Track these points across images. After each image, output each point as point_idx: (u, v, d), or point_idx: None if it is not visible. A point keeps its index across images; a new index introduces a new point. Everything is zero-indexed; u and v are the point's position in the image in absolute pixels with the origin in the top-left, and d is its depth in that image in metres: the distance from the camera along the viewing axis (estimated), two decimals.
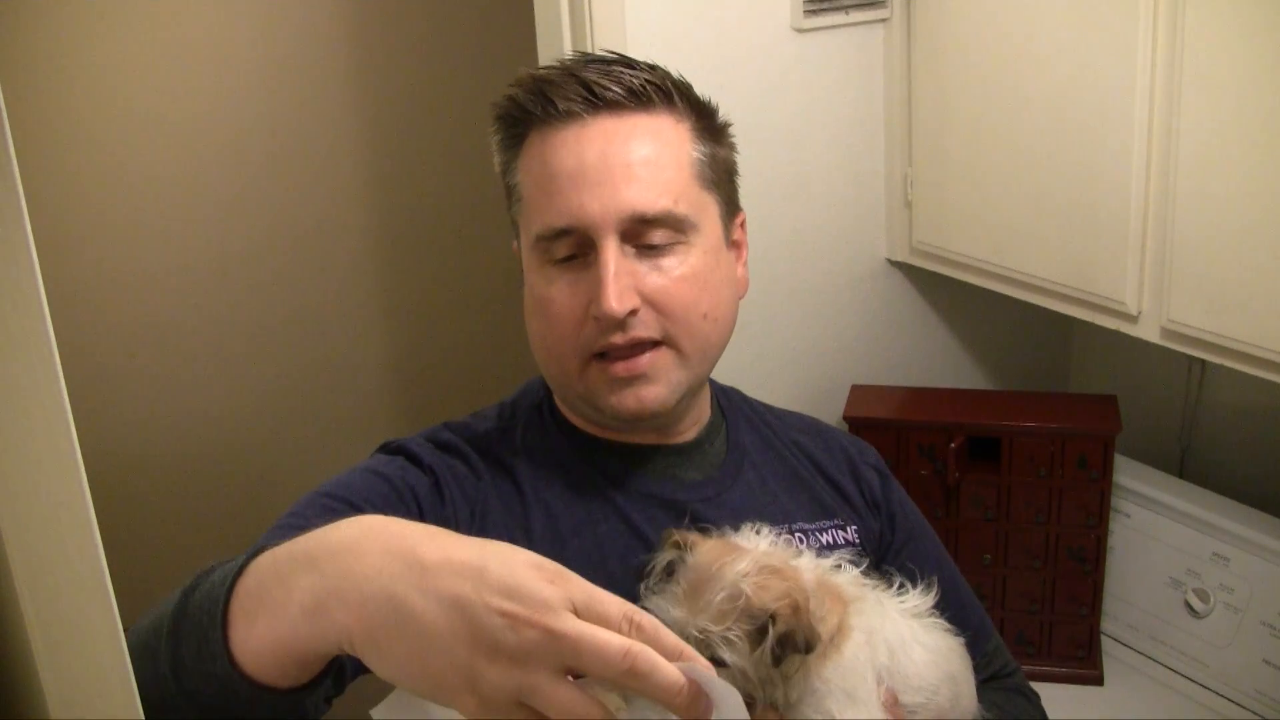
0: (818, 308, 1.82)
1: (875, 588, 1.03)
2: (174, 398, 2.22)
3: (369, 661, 0.66)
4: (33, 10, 1.98)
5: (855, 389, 1.79)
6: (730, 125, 1.16)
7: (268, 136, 2.21)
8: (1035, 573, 1.68)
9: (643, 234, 1.05)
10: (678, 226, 1.06)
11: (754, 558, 0.92)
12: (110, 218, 2.12)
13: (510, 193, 1.14)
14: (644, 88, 1.08)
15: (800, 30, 1.69)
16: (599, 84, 1.07)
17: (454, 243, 2.39)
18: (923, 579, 1.06)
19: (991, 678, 1.23)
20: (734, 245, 1.16)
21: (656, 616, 0.89)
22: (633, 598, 1.01)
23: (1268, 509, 1.63)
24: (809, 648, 0.89)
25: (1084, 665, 1.68)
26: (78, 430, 0.55)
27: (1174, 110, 1.37)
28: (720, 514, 1.11)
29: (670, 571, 0.94)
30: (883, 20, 1.74)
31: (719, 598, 0.89)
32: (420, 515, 1.04)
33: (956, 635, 1.06)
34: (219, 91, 2.16)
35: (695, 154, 1.10)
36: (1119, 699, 1.65)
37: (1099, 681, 1.68)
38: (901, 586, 1.05)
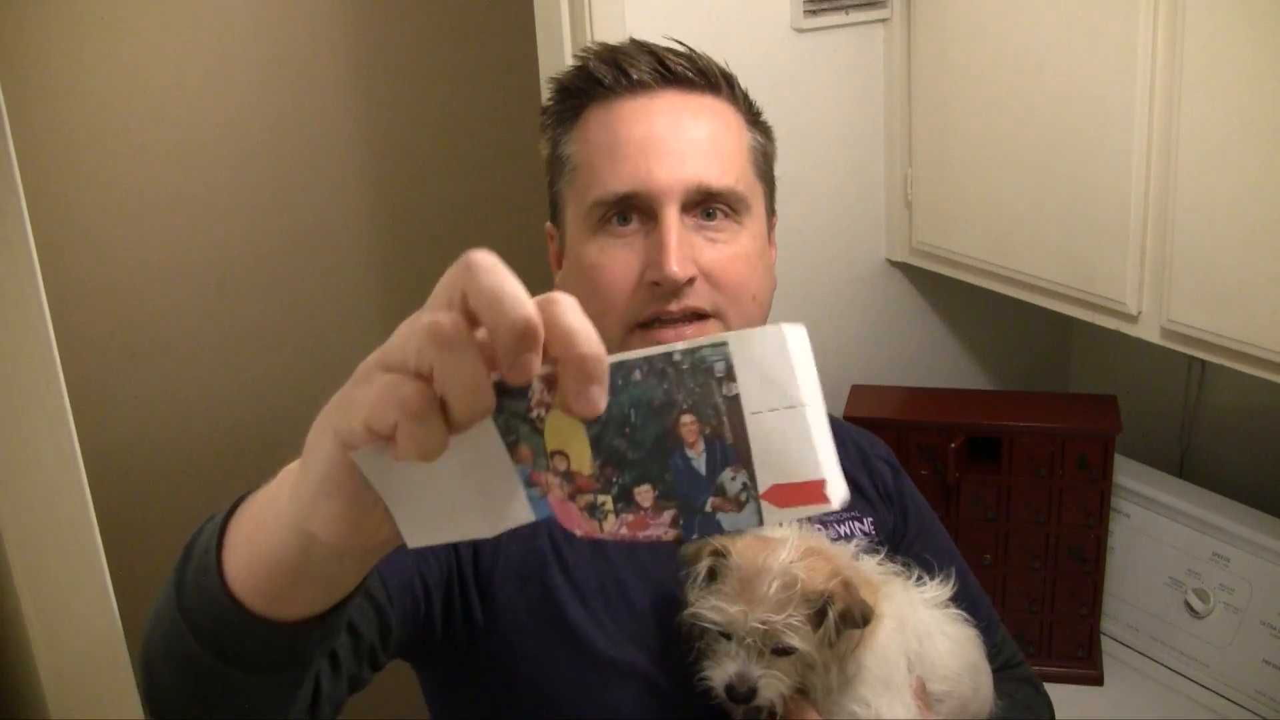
0: (818, 308, 1.82)
1: (897, 575, 1.03)
2: (174, 397, 2.22)
3: (328, 537, 0.58)
4: (32, 11, 1.98)
5: (855, 389, 1.78)
6: (772, 128, 1.17)
7: (267, 135, 2.21)
8: (1035, 573, 1.68)
9: (703, 207, 1.06)
10: (736, 205, 1.07)
11: (793, 544, 0.92)
12: (110, 218, 2.12)
13: (560, 164, 1.12)
14: (711, 69, 1.10)
15: (800, 30, 1.69)
16: (671, 58, 1.09)
17: (454, 242, 2.38)
18: (937, 570, 1.07)
19: (1001, 668, 1.23)
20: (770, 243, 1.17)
21: (713, 618, 0.90)
22: (662, 584, 1.02)
23: (1268, 509, 1.63)
24: (865, 621, 0.91)
25: (1084, 665, 1.68)
26: (78, 430, 0.55)
27: (1174, 110, 1.37)
28: None
29: (712, 576, 0.94)
30: (883, 20, 1.74)
31: (773, 588, 0.89)
32: None
33: (973, 625, 1.06)
34: (219, 91, 2.16)
35: (751, 141, 1.12)
36: (1119, 699, 1.65)
37: (1099, 681, 1.68)
38: (919, 578, 1.05)
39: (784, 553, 0.91)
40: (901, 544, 1.22)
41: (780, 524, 1.00)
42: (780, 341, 0.51)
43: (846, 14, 1.71)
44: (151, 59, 2.10)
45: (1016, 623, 1.70)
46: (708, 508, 0.54)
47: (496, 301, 0.50)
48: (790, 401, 0.52)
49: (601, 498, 0.55)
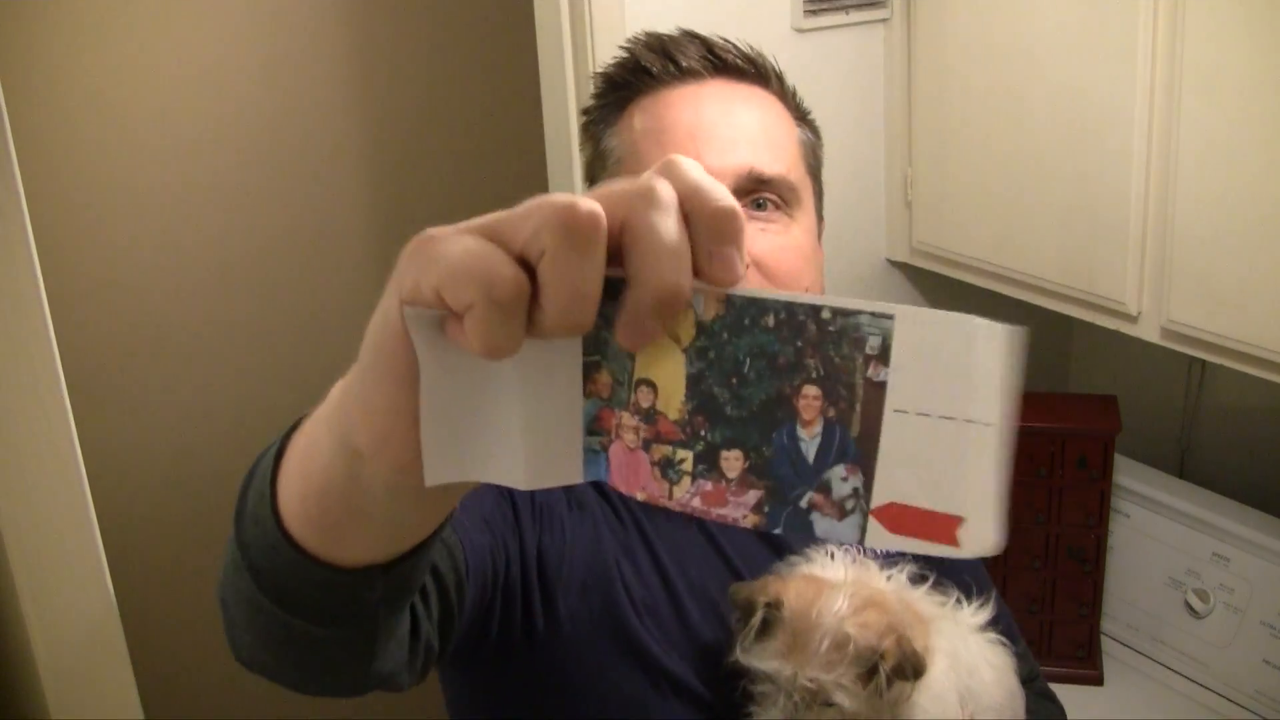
0: None
1: (947, 604, 1.01)
2: (174, 399, 2.22)
3: (375, 442, 0.50)
4: (33, 13, 1.98)
5: None
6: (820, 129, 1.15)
7: (269, 138, 2.21)
8: (1035, 573, 1.68)
9: (754, 196, 1.02)
10: (788, 196, 1.03)
11: (846, 592, 0.90)
12: (111, 219, 2.12)
13: (602, 160, 1.08)
14: (762, 60, 1.08)
15: (800, 30, 1.69)
16: (721, 46, 1.06)
17: None
18: (976, 589, 1.05)
19: (1024, 683, 1.22)
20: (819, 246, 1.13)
21: (763, 669, 0.89)
22: (719, 608, 1.00)
23: (1268, 509, 1.63)
24: (918, 675, 0.89)
25: (1084, 665, 1.69)
26: (78, 430, 0.55)
27: (1174, 110, 1.37)
28: None
29: (765, 627, 0.92)
30: (883, 20, 1.74)
31: (824, 646, 0.88)
32: (514, 508, 1.00)
33: (1008, 647, 1.05)
34: (220, 93, 2.16)
35: (801, 135, 1.09)
36: (1119, 699, 1.65)
37: (1099, 681, 1.68)
38: (958, 600, 1.03)
39: (838, 602, 0.89)
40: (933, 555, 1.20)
41: (831, 556, 0.97)
42: (968, 337, 0.41)
43: (846, 14, 1.71)
44: (151, 58, 2.09)
45: (1017, 623, 1.70)
46: (804, 502, 0.45)
47: (701, 182, 0.46)
48: (953, 413, 0.42)
49: (681, 453, 0.46)
